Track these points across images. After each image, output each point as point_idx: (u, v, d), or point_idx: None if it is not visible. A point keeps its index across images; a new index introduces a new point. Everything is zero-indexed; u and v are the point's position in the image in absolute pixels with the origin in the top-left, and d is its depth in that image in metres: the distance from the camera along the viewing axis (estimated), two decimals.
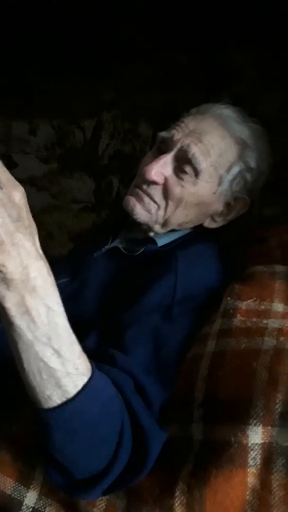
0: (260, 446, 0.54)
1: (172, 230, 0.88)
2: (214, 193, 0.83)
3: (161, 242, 0.87)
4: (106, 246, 0.90)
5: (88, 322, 0.76)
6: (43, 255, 0.45)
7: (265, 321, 0.65)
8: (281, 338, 0.62)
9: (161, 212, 0.83)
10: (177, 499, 0.55)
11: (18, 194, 0.42)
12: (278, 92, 1.18)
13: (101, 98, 1.42)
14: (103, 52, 1.37)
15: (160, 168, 0.80)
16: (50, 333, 0.45)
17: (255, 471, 0.53)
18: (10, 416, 0.67)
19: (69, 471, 0.53)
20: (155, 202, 0.82)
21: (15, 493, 0.61)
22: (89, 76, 1.41)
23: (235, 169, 0.84)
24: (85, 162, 1.48)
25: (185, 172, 0.80)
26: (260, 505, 0.52)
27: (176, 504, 0.55)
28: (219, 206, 0.86)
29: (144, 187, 0.82)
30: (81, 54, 1.40)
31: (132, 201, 0.83)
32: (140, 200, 0.82)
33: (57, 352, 0.45)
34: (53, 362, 0.46)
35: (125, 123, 1.42)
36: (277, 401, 0.55)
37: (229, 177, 0.83)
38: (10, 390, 0.60)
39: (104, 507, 0.59)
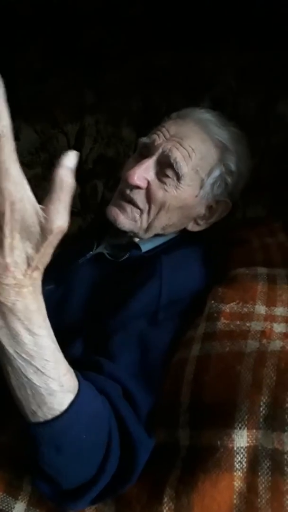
0: (246, 449, 0.54)
1: (156, 236, 0.88)
2: (196, 196, 0.84)
3: (145, 247, 0.87)
4: (91, 252, 0.90)
5: (74, 329, 0.75)
6: (35, 278, 0.43)
7: (248, 324, 0.65)
8: (264, 341, 0.62)
9: (144, 216, 0.83)
10: (165, 505, 0.55)
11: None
12: (256, 95, 1.19)
13: (83, 102, 1.42)
14: (84, 56, 1.37)
15: (143, 173, 0.81)
16: (32, 353, 0.44)
17: (241, 475, 0.53)
18: None
19: (56, 482, 0.53)
20: (138, 207, 0.82)
21: (3, 504, 0.61)
22: (71, 80, 1.41)
23: (216, 172, 0.84)
24: None
25: (168, 176, 0.81)
26: (247, 508, 0.52)
27: (165, 511, 0.55)
28: (201, 209, 0.87)
29: (127, 191, 0.82)
30: (62, 58, 1.39)
31: (114, 211, 0.83)
32: (123, 210, 0.83)
33: (39, 371, 0.45)
34: (36, 379, 0.45)
35: (108, 127, 1.42)
36: (261, 403, 0.56)
37: (210, 180, 0.84)
38: None
39: None
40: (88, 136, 1.45)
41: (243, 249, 0.88)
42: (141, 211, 0.83)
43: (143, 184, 0.81)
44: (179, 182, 0.81)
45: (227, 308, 0.69)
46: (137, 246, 0.87)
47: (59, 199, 0.40)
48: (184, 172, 0.81)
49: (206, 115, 0.87)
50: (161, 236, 0.89)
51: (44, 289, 0.88)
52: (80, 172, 1.47)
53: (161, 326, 0.72)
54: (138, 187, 0.81)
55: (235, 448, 0.54)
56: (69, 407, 0.48)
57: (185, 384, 0.64)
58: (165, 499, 0.55)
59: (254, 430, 0.54)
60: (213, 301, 0.72)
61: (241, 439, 0.54)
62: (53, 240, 0.41)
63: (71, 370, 0.50)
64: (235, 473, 0.53)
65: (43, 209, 0.40)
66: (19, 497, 0.61)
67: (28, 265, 0.42)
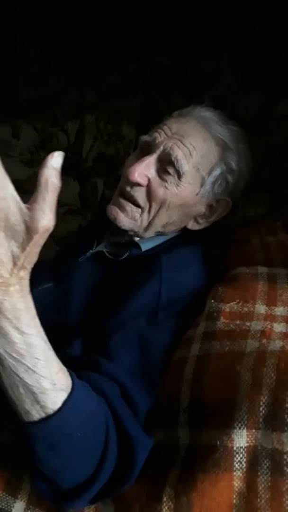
0: (245, 449, 0.54)
1: (157, 235, 0.88)
2: (197, 194, 0.84)
3: (145, 246, 0.87)
4: (91, 251, 0.90)
5: (74, 328, 0.75)
6: (22, 277, 0.43)
7: (248, 324, 0.65)
8: (264, 340, 0.62)
9: (145, 215, 0.83)
10: (164, 504, 0.55)
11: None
12: (257, 95, 1.19)
13: (83, 100, 1.42)
14: (85, 55, 1.37)
15: (143, 170, 0.81)
16: (22, 352, 0.44)
17: (241, 475, 0.53)
18: None
19: (54, 481, 0.53)
20: (138, 205, 0.82)
21: (3, 504, 0.61)
22: (71, 79, 1.40)
23: (217, 171, 0.84)
24: (69, 165, 1.47)
25: (168, 173, 0.81)
26: (247, 508, 0.52)
27: (164, 510, 0.55)
28: (201, 208, 0.87)
29: (128, 189, 0.82)
30: (63, 57, 1.39)
31: (114, 211, 0.83)
32: (123, 209, 0.83)
33: (30, 369, 0.45)
34: (28, 378, 0.45)
35: (108, 125, 1.41)
36: (261, 403, 0.56)
37: (211, 179, 0.84)
38: None
39: None
40: (88, 134, 1.45)
41: (243, 248, 0.87)
42: (142, 209, 0.82)
43: (144, 181, 0.81)
44: (180, 180, 0.81)
45: (227, 307, 0.69)
46: (137, 245, 0.87)
47: (44, 199, 0.40)
48: (185, 170, 0.80)
49: (207, 113, 0.87)
50: (161, 235, 0.89)
51: (43, 287, 0.88)
52: (80, 170, 1.47)
53: (161, 326, 0.72)
54: (138, 185, 0.81)
55: (234, 448, 0.54)
56: (62, 406, 0.48)
57: (184, 383, 0.64)
58: (165, 499, 0.55)
59: (254, 430, 0.54)
60: (213, 301, 0.72)
61: (241, 439, 0.54)
62: (39, 239, 0.41)
63: (64, 368, 0.50)
64: (234, 473, 0.53)
65: (28, 208, 0.40)
66: (19, 496, 0.61)
67: (14, 263, 0.41)
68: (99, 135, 1.44)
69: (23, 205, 0.40)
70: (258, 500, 0.52)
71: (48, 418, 0.47)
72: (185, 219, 0.87)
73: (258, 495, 0.52)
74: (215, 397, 0.60)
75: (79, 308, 0.80)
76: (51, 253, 1.26)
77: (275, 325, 0.64)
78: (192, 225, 0.89)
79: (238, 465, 0.54)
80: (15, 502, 0.61)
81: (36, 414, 0.47)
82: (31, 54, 1.41)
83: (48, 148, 1.49)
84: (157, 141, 0.82)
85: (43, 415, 0.47)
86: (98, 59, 1.35)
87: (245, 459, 0.54)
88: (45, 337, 0.47)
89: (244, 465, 0.54)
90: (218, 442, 0.55)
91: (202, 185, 0.84)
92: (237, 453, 0.54)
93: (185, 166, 0.80)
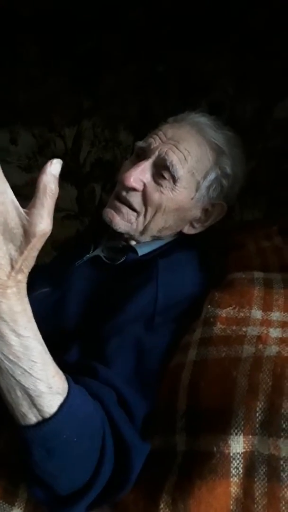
0: (242, 455, 0.54)
1: (153, 239, 0.88)
2: (192, 198, 0.84)
3: (141, 251, 0.87)
4: (88, 255, 0.90)
5: (70, 333, 0.75)
6: (19, 280, 0.44)
7: (244, 329, 0.65)
8: (260, 346, 0.62)
9: (141, 219, 0.83)
10: (161, 511, 0.55)
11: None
12: (253, 99, 1.20)
13: (80, 106, 1.42)
14: (82, 60, 1.37)
15: (139, 175, 0.81)
16: (19, 354, 0.45)
17: (237, 481, 0.53)
18: None
19: (51, 487, 0.53)
20: (134, 209, 0.83)
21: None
22: (68, 85, 1.41)
23: (212, 175, 0.85)
24: (66, 170, 1.47)
25: (164, 178, 0.81)
26: None
27: None
28: (197, 212, 0.87)
29: (123, 193, 0.82)
30: (60, 63, 1.40)
31: (110, 213, 0.84)
32: (118, 212, 0.83)
33: (27, 372, 0.45)
34: (24, 381, 0.46)
35: (105, 131, 1.42)
36: (257, 409, 0.55)
37: (206, 183, 0.84)
38: None
39: None
40: (85, 139, 1.45)
41: (239, 253, 0.88)
42: (138, 213, 0.83)
43: (139, 186, 0.81)
44: (175, 185, 0.81)
45: (223, 313, 0.69)
46: (133, 250, 0.87)
47: (43, 204, 0.42)
48: (180, 175, 0.81)
49: (202, 119, 0.88)
50: (157, 240, 0.89)
51: (40, 292, 0.88)
52: (77, 176, 1.47)
53: (157, 331, 0.72)
54: (134, 189, 0.81)
55: (231, 454, 0.54)
56: (58, 410, 0.48)
57: (181, 389, 0.63)
58: (162, 505, 0.55)
59: (250, 436, 0.54)
60: (209, 306, 0.72)
61: (237, 445, 0.54)
62: (37, 243, 0.42)
63: (60, 372, 0.50)
64: (231, 479, 0.53)
65: (26, 213, 0.42)
66: (16, 504, 0.61)
67: (12, 267, 0.42)
68: (97, 140, 1.44)
69: (21, 210, 0.42)
70: (255, 506, 0.52)
71: (45, 421, 0.48)
72: (180, 224, 0.88)
73: (255, 501, 0.52)
74: (211, 403, 0.60)
75: (76, 313, 0.80)
76: (48, 258, 1.26)
77: (271, 330, 0.64)
78: (188, 230, 0.90)
79: (235, 471, 0.54)
80: (11, 509, 0.61)
81: (32, 418, 0.48)
82: (30, 54, 1.41)
83: (46, 153, 1.50)
84: (152, 147, 0.83)
85: (40, 418, 0.48)
86: (97, 60, 1.36)
87: (241, 465, 0.54)
88: (41, 340, 0.47)
89: (241, 471, 0.53)
90: (215, 448, 0.55)
91: (197, 190, 0.84)
92: (233, 459, 0.54)
93: (180, 171, 0.81)
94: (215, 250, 0.92)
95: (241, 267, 0.80)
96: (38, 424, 0.48)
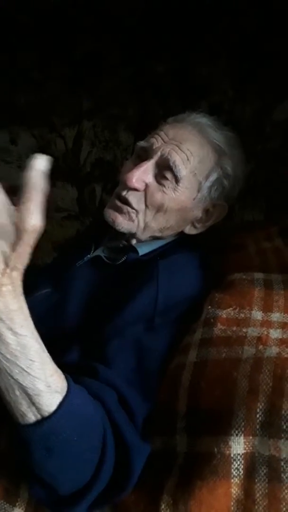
0: (243, 456, 0.54)
1: (154, 239, 0.88)
2: (194, 199, 0.85)
3: (142, 251, 0.87)
4: (89, 255, 0.90)
5: (71, 333, 0.75)
6: (14, 277, 0.44)
7: (244, 330, 0.65)
8: (260, 347, 0.62)
9: (141, 216, 0.83)
10: None
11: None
12: (252, 101, 1.20)
13: (80, 107, 1.42)
14: (82, 62, 1.37)
15: (141, 175, 0.81)
16: (16, 353, 0.45)
17: (238, 482, 0.53)
18: None
19: (52, 487, 0.53)
20: (133, 208, 0.83)
21: (1, 511, 0.61)
22: (69, 84, 1.41)
23: (213, 176, 0.85)
24: (67, 171, 1.47)
25: (166, 178, 0.81)
26: None
27: None
28: (198, 212, 0.87)
29: (124, 193, 0.82)
30: (60, 64, 1.40)
31: (113, 214, 0.84)
32: (120, 211, 0.83)
33: (25, 371, 0.46)
34: (22, 380, 0.46)
35: (105, 131, 1.42)
36: (258, 410, 0.56)
37: (208, 183, 0.85)
38: None
39: None
40: (85, 140, 1.45)
41: (240, 254, 0.88)
42: (137, 211, 0.83)
43: (141, 186, 0.82)
44: (178, 185, 0.82)
45: (223, 313, 0.69)
46: (134, 249, 0.87)
47: (32, 200, 0.42)
48: (182, 175, 0.81)
49: (203, 119, 0.88)
50: (158, 239, 0.89)
51: (41, 292, 0.88)
52: (78, 176, 1.47)
53: (158, 331, 0.72)
54: (136, 190, 0.82)
55: (232, 455, 0.54)
56: (58, 408, 0.48)
57: (182, 390, 0.63)
58: (163, 506, 0.55)
59: (251, 437, 0.54)
60: (209, 307, 0.72)
61: (238, 446, 0.54)
62: (29, 240, 0.43)
63: (59, 371, 0.51)
64: (232, 480, 0.53)
65: (16, 210, 0.42)
66: (17, 504, 0.61)
67: (6, 264, 0.43)
68: (97, 141, 1.44)
69: (11, 207, 0.42)
70: (256, 507, 0.52)
71: (44, 420, 0.48)
72: (182, 224, 0.88)
73: (256, 502, 0.52)
74: (212, 403, 0.60)
75: (77, 313, 0.80)
76: (49, 258, 1.26)
77: (271, 331, 0.64)
78: (189, 230, 0.90)
79: (236, 472, 0.54)
80: (13, 509, 0.61)
81: (32, 417, 0.48)
82: (30, 58, 1.42)
83: (46, 154, 1.50)
84: (154, 147, 0.83)
85: (39, 417, 0.48)
86: (96, 62, 1.36)
87: (242, 466, 0.54)
88: (39, 339, 0.48)
89: (242, 472, 0.54)
90: (216, 449, 0.55)
91: (199, 190, 0.85)
92: (234, 460, 0.54)
93: (183, 171, 0.81)
94: (215, 251, 0.92)
95: (241, 268, 0.80)
96: (37, 422, 0.48)
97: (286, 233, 0.91)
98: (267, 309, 0.68)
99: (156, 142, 0.84)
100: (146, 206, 0.83)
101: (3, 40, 1.40)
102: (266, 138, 1.19)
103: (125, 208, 0.83)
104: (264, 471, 0.53)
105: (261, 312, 0.68)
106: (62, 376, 0.51)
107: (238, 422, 0.56)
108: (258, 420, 0.55)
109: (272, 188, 1.17)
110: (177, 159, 0.81)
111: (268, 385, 0.57)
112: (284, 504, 0.51)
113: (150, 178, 0.82)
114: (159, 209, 0.82)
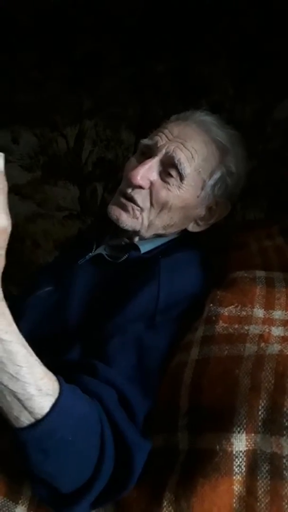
0: (245, 453, 0.54)
1: (156, 237, 0.88)
2: (198, 196, 0.85)
3: (144, 248, 0.87)
4: (90, 254, 0.90)
5: (73, 331, 0.76)
6: None
7: (246, 327, 0.65)
8: (262, 344, 0.62)
9: (145, 214, 0.83)
10: (164, 509, 0.55)
11: None
12: (253, 101, 1.20)
13: (82, 106, 1.42)
14: (81, 63, 1.38)
15: (146, 173, 0.81)
16: (3, 360, 0.45)
17: (240, 479, 0.53)
18: None
19: (53, 486, 0.53)
20: (138, 206, 0.83)
21: (4, 509, 0.61)
22: (70, 84, 1.41)
23: (217, 174, 0.85)
24: (68, 170, 1.47)
25: (171, 176, 0.82)
26: None
27: None
28: (201, 210, 0.88)
29: (129, 191, 0.83)
30: (61, 63, 1.40)
31: (117, 211, 0.84)
32: (124, 209, 0.83)
33: (14, 377, 0.46)
34: (12, 386, 0.46)
35: (107, 130, 1.42)
36: (260, 407, 0.56)
37: (211, 181, 0.85)
38: None
39: None
40: (87, 139, 1.46)
41: (241, 252, 0.88)
42: (142, 209, 0.83)
43: (146, 184, 0.82)
44: (182, 182, 0.82)
45: (225, 311, 0.69)
46: (136, 247, 0.87)
47: None
48: (187, 173, 0.81)
49: (207, 118, 0.88)
50: (160, 237, 0.89)
51: (43, 290, 0.88)
52: (79, 175, 1.48)
53: (159, 330, 0.72)
54: (140, 187, 0.82)
55: (234, 452, 0.54)
56: (50, 410, 0.48)
57: (183, 388, 0.64)
58: (165, 503, 0.55)
59: (253, 434, 0.54)
60: (211, 305, 0.72)
61: (240, 443, 0.54)
62: None
63: (50, 373, 0.50)
64: (234, 477, 0.53)
65: None
66: (20, 501, 0.61)
67: None
68: (98, 140, 1.44)
69: None
70: (258, 504, 0.52)
71: (37, 423, 0.48)
72: (185, 221, 0.88)
73: (258, 499, 0.52)
74: (214, 401, 0.60)
75: (79, 311, 0.80)
76: (51, 257, 1.26)
77: (273, 328, 0.64)
78: (192, 227, 0.90)
79: (238, 469, 0.54)
80: (16, 507, 0.61)
81: (25, 420, 0.48)
82: (29, 59, 1.42)
83: (48, 153, 1.50)
84: (159, 144, 0.83)
85: (32, 420, 0.48)
86: (96, 64, 1.36)
87: (244, 463, 0.54)
88: (25, 343, 0.47)
89: (244, 469, 0.54)
90: (218, 447, 0.55)
91: (203, 188, 0.85)
92: (236, 457, 0.54)
93: (188, 168, 0.81)
94: (217, 249, 0.92)
95: (243, 266, 0.80)
96: (31, 426, 0.48)
97: (287, 232, 0.91)
98: (268, 307, 0.68)
99: (161, 139, 0.84)
100: (151, 204, 0.83)
101: (3, 40, 1.40)
102: (267, 138, 1.19)
103: (130, 205, 0.83)
104: (266, 468, 0.53)
105: (263, 310, 0.68)
106: (53, 378, 0.51)
107: (240, 419, 0.56)
108: (260, 418, 0.55)
109: (273, 187, 1.17)
110: (182, 156, 0.81)
111: (270, 383, 0.57)
112: (286, 501, 0.51)
113: (154, 176, 0.82)
114: (164, 206, 0.83)
